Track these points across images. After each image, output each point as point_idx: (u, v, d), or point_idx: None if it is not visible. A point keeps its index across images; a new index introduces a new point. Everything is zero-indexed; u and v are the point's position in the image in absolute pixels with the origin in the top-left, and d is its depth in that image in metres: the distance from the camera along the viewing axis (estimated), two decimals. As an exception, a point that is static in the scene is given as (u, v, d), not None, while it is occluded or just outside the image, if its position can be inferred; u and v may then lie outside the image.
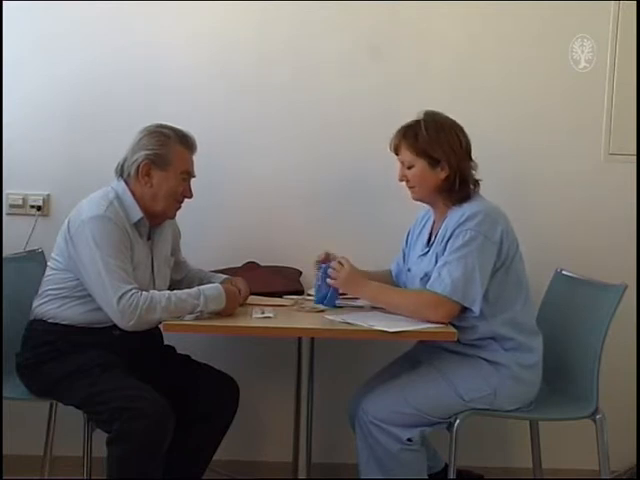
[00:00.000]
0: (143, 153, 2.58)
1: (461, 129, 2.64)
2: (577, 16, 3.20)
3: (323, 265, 2.66)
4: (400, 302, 2.56)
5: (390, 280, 2.87)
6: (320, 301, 2.65)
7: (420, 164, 2.62)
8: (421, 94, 3.15)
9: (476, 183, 2.65)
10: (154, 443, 2.39)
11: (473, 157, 2.65)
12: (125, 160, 2.62)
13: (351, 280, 2.59)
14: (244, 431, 3.07)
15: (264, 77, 3.20)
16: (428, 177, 2.62)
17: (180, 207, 2.68)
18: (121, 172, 2.62)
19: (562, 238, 3.24)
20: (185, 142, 2.64)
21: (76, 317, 2.57)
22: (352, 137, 3.21)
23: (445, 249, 2.56)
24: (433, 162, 2.60)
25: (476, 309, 2.51)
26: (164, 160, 2.59)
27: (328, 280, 2.62)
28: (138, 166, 2.58)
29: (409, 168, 2.64)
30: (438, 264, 2.56)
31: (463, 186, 2.61)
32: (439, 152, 2.59)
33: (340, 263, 2.60)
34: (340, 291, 2.66)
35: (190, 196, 2.67)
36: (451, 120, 2.64)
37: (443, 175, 2.61)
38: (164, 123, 2.65)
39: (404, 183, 2.69)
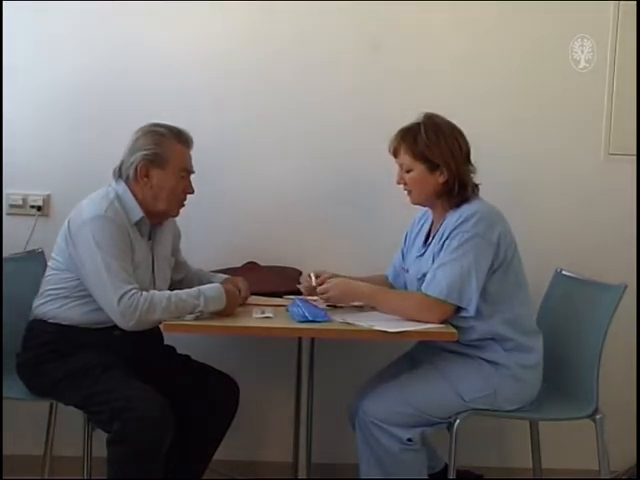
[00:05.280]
0: (140, 154, 2.58)
1: (461, 133, 2.63)
2: (577, 16, 3.20)
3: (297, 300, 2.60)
4: (394, 304, 2.56)
5: (384, 284, 2.85)
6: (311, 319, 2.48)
7: (419, 168, 2.61)
8: (422, 94, 3.15)
9: (475, 187, 2.65)
10: (154, 443, 2.39)
11: (473, 158, 2.65)
12: (122, 162, 2.62)
13: (344, 289, 2.58)
14: (244, 431, 3.07)
15: (265, 78, 3.20)
16: (427, 181, 2.62)
17: (184, 205, 2.68)
18: (119, 174, 2.62)
19: (562, 238, 3.24)
20: (180, 138, 2.63)
21: (77, 317, 2.57)
22: (353, 138, 3.21)
23: (442, 249, 2.56)
24: (432, 166, 2.60)
25: (471, 309, 2.51)
26: (161, 159, 2.59)
27: (323, 302, 2.60)
28: (136, 167, 2.58)
29: (408, 172, 2.64)
30: (434, 265, 2.56)
31: (462, 190, 2.61)
32: (438, 156, 2.59)
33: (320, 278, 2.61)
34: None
35: (192, 192, 2.67)
36: (451, 124, 2.63)
37: (442, 179, 2.61)
38: (158, 122, 2.65)
39: (402, 186, 2.69)
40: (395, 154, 2.67)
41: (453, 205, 2.62)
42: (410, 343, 2.88)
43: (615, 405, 2.89)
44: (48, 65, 3.19)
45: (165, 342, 2.79)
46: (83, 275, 2.52)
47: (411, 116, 2.66)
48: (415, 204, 2.72)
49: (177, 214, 2.71)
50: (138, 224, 2.60)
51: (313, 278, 2.65)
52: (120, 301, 2.41)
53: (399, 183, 2.68)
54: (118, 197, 2.58)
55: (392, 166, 2.72)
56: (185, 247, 2.90)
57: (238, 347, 3.15)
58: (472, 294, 2.51)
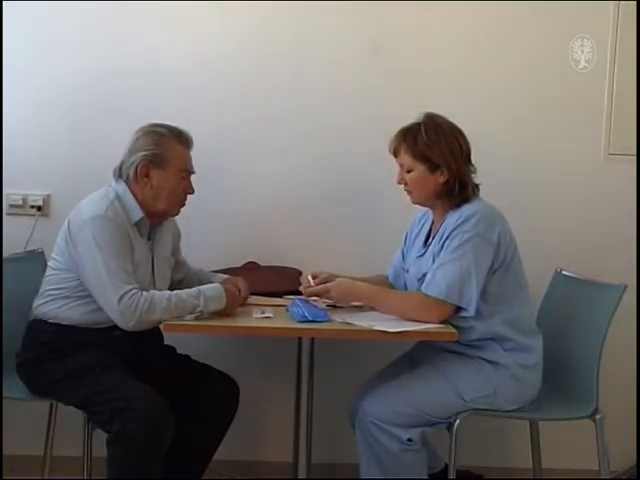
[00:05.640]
0: (140, 154, 2.58)
1: (461, 133, 2.63)
2: (577, 16, 3.20)
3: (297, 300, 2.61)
4: (393, 304, 2.55)
5: (384, 285, 2.85)
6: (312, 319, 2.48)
7: (419, 168, 2.61)
8: (422, 94, 3.15)
9: (475, 187, 2.65)
10: (154, 443, 2.39)
11: (473, 158, 2.65)
12: (123, 163, 2.62)
13: (344, 289, 2.58)
14: (244, 431, 3.07)
15: (265, 78, 3.20)
16: (427, 181, 2.62)
17: (184, 204, 2.68)
18: (119, 174, 2.62)
19: (562, 238, 3.24)
20: (181, 139, 2.63)
21: (77, 317, 2.57)
22: (353, 138, 3.21)
23: (442, 250, 2.56)
24: (432, 166, 2.60)
25: (471, 309, 2.51)
26: (162, 159, 2.59)
27: (323, 302, 2.61)
28: (136, 167, 2.58)
29: (408, 172, 2.64)
30: (434, 265, 2.56)
31: (462, 190, 2.60)
32: (438, 156, 2.58)
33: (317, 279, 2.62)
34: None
35: (192, 192, 2.67)
36: (451, 124, 2.63)
37: (442, 180, 2.60)
38: (158, 122, 2.64)
39: (402, 186, 2.69)
40: (395, 154, 2.67)
41: (453, 205, 2.62)
42: (410, 343, 2.88)
43: (615, 405, 2.90)
44: (48, 65, 3.19)
45: (165, 342, 2.79)
46: (83, 275, 2.52)
47: (411, 116, 2.66)
48: (415, 204, 2.72)
49: (177, 213, 2.71)
50: (138, 224, 2.60)
51: (310, 280, 2.65)
52: (120, 301, 2.41)
53: (399, 183, 2.68)
54: (118, 197, 2.58)
55: (392, 166, 2.71)
56: (185, 247, 2.91)
57: (238, 347, 3.15)
58: (472, 294, 2.51)
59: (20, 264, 2.87)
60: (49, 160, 3.20)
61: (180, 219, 2.80)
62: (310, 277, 2.66)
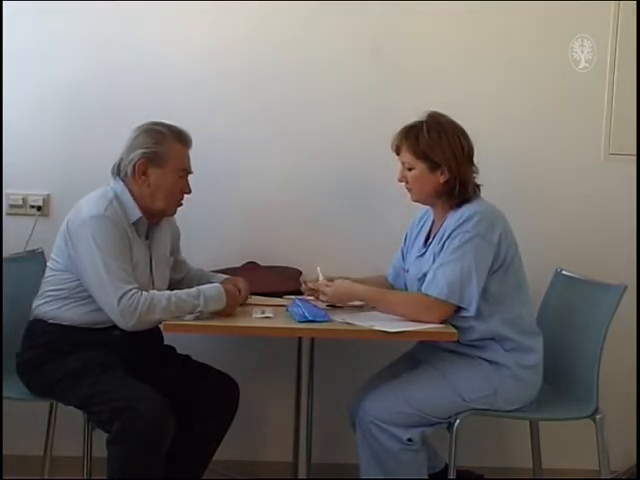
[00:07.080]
0: (139, 152, 2.57)
1: (463, 133, 2.62)
2: (577, 16, 3.20)
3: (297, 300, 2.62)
4: (393, 306, 2.55)
5: (384, 285, 2.85)
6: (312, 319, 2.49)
7: (420, 167, 2.61)
8: (421, 94, 3.14)
9: (476, 188, 2.65)
10: (154, 443, 2.39)
11: (474, 159, 2.65)
12: (121, 160, 2.61)
13: (342, 291, 2.59)
14: (244, 431, 3.07)
15: (264, 77, 3.20)
16: (427, 180, 2.62)
17: (181, 204, 2.68)
18: (117, 172, 2.62)
19: (562, 238, 3.24)
20: (180, 139, 2.63)
21: (76, 318, 2.57)
22: (352, 137, 3.21)
23: (442, 249, 2.56)
24: (433, 166, 2.60)
25: (472, 309, 2.51)
26: (160, 158, 2.58)
27: (319, 301, 2.62)
28: (134, 165, 2.57)
29: (409, 170, 2.64)
30: (434, 265, 2.56)
31: (463, 190, 2.60)
32: (439, 156, 2.58)
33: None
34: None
35: (189, 192, 2.67)
36: (454, 123, 2.63)
37: (442, 179, 2.60)
38: (157, 120, 2.64)
39: (403, 184, 2.69)
40: (397, 152, 2.67)
41: (454, 205, 2.62)
42: (410, 343, 2.88)
43: (615, 405, 2.90)
44: (48, 65, 3.18)
45: (165, 342, 2.79)
46: (82, 275, 2.52)
47: (411, 116, 2.66)
48: (415, 201, 2.71)
49: (173, 213, 2.71)
50: (136, 224, 2.59)
51: (320, 275, 2.65)
52: (120, 301, 2.41)
53: (401, 181, 2.68)
54: (116, 196, 2.57)
55: (392, 166, 2.72)
56: (185, 247, 2.90)
57: (238, 347, 3.15)
58: (473, 294, 2.51)
59: (20, 264, 2.87)
60: (49, 160, 3.20)
61: (180, 219, 2.80)
62: (320, 273, 2.65)
